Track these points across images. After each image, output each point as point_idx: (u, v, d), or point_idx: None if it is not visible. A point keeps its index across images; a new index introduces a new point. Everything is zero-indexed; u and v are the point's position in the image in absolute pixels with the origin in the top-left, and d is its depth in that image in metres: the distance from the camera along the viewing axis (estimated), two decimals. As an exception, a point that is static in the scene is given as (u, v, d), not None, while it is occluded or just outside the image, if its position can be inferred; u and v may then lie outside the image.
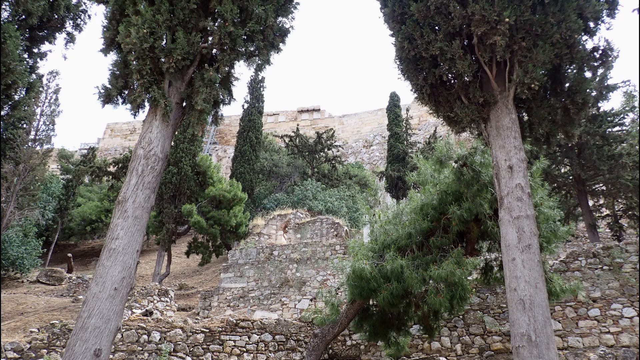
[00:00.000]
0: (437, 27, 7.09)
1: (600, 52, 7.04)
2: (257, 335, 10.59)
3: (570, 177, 18.98)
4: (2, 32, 11.76)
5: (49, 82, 20.20)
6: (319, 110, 54.42)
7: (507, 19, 6.39)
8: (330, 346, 11.51)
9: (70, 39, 15.95)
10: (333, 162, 34.38)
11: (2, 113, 13.97)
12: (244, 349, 10.33)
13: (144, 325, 9.80)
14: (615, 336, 10.59)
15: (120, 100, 7.66)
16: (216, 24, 7.47)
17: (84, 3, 15.87)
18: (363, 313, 9.74)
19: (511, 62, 6.95)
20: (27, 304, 17.03)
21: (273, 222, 22.51)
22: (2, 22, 12.17)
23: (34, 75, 15.25)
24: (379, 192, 30.39)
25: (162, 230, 22.67)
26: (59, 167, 43.38)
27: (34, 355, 9.08)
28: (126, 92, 7.60)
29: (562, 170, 19.67)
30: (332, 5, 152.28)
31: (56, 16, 15.12)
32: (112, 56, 7.63)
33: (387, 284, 8.28)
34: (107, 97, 7.52)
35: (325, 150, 34.34)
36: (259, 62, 8.24)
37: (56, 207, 27.94)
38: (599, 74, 7.14)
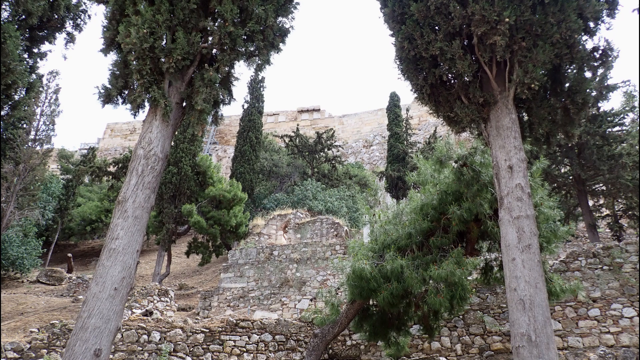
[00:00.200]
0: (437, 27, 7.09)
1: (600, 52, 7.04)
2: (257, 335, 10.59)
3: (570, 177, 18.98)
4: (2, 32, 11.76)
5: (49, 82, 20.22)
6: (319, 110, 54.42)
7: (507, 19, 6.39)
8: (330, 346, 11.51)
9: (70, 39, 15.95)
10: (333, 162, 34.38)
11: (2, 113, 13.97)
12: (244, 349, 10.33)
13: (144, 325, 9.80)
14: (615, 336, 10.59)
15: (120, 100, 7.66)
16: (216, 24, 7.47)
17: (84, 3, 15.87)
18: (363, 313, 9.74)
19: (511, 62, 6.95)
20: (27, 304, 17.03)
21: (273, 222, 22.51)
22: (2, 22, 12.17)
23: (34, 75, 15.25)
24: (379, 192, 30.39)
25: (162, 230, 22.67)
26: (59, 167, 43.38)
27: (34, 355, 9.08)
28: (126, 92, 7.60)
29: (562, 170, 19.67)
30: (332, 5, 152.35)
31: (56, 16, 15.12)
32: (112, 56, 7.63)
33: (387, 284, 8.28)
34: (107, 97, 7.52)
35: (325, 150, 34.34)
36: (259, 62, 8.24)
37: (56, 207, 27.94)
38: (599, 74, 7.14)
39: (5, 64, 12.03)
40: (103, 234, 32.16)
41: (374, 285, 8.34)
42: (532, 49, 6.67)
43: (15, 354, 8.98)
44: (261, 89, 34.11)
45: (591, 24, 6.92)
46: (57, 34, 15.61)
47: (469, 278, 8.60)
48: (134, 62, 7.06)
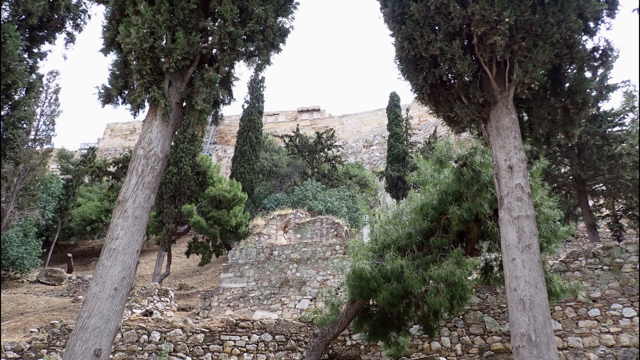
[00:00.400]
0: (437, 27, 7.09)
1: (600, 52, 7.04)
2: (257, 335, 10.59)
3: (570, 177, 18.98)
4: (2, 32, 11.76)
5: (49, 82, 20.22)
6: (319, 110, 54.42)
7: (507, 19, 6.39)
8: (330, 346, 11.51)
9: (70, 39, 15.95)
10: (333, 162, 34.38)
11: (2, 113, 13.97)
12: (244, 349, 10.33)
13: (144, 325, 9.80)
14: (615, 336, 10.59)
15: (120, 100, 7.66)
16: (216, 24, 7.47)
17: (84, 3, 15.87)
18: (363, 313, 9.74)
19: (511, 62, 6.95)
20: (27, 304, 17.03)
21: (273, 222, 22.51)
22: (2, 22, 12.17)
23: (34, 75, 15.25)
24: (379, 192, 30.39)
25: (162, 230, 22.67)
26: (59, 167, 43.38)
27: (34, 355, 9.08)
28: (126, 92, 7.60)
29: (562, 170, 19.67)
30: (332, 5, 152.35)
31: (56, 16, 15.12)
32: (112, 56, 7.63)
33: (387, 284, 8.28)
34: (107, 97, 7.52)
35: (325, 150, 34.34)
36: (259, 62, 8.24)
37: (56, 207, 27.93)
38: (599, 74, 7.14)
39: (5, 64, 12.03)
40: (103, 234, 32.16)
41: (374, 285, 8.34)
42: (532, 49, 6.67)
43: (15, 354, 8.98)
44: (261, 89, 34.11)
45: (591, 24, 6.92)
46: (57, 34, 15.61)
47: (469, 278, 8.60)
48: (134, 62, 7.05)
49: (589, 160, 17.86)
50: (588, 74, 7.17)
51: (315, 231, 21.55)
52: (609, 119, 18.35)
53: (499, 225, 6.76)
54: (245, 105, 33.13)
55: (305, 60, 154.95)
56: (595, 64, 7.09)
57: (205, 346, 10.04)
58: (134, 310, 13.71)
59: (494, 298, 11.67)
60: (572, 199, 19.97)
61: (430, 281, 8.19)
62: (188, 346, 9.87)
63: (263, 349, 10.51)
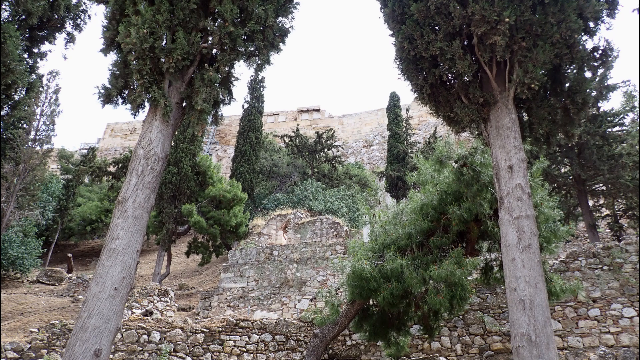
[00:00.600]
0: (437, 27, 7.09)
1: (600, 52, 7.04)
2: (257, 335, 10.59)
3: (570, 177, 18.98)
4: (2, 32, 11.76)
5: (49, 82, 20.21)
6: (319, 110, 54.42)
7: (507, 19, 6.39)
8: (330, 346, 11.51)
9: (70, 39, 15.95)
10: (333, 162, 34.38)
11: (2, 113, 13.97)
12: (244, 349, 10.33)
13: (144, 325, 9.80)
14: (615, 336, 10.59)
15: (120, 100, 7.66)
16: (216, 24, 7.47)
17: (84, 3, 15.87)
18: (363, 313, 9.74)
19: (511, 62, 6.95)
20: (27, 304, 17.03)
21: (273, 222, 22.51)
22: (2, 22, 12.17)
23: (34, 75, 15.25)
24: (379, 192, 30.39)
25: (162, 230, 22.67)
26: (59, 167, 43.38)
27: (34, 355, 9.08)
28: (126, 92, 7.60)
29: (562, 170, 19.67)
30: (332, 5, 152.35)
31: (56, 16, 15.12)
32: (112, 56, 7.63)
33: (387, 284, 8.28)
34: (107, 97, 7.51)
35: (325, 150, 34.34)
36: (259, 62, 8.24)
37: (56, 207, 27.93)
38: (599, 74, 7.14)
39: (5, 64, 12.03)
40: (103, 234, 32.16)
41: (374, 285, 8.34)
42: (532, 49, 6.67)
43: (15, 354, 8.98)
44: (261, 89, 34.11)
45: (591, 24, 6.92)
46: (57, 34, 15.61)
47: (469, 278, 8.60)
48: (134, 62, 7.05)
49: (589, 160, 17.86)
50: (588, 74, 7.17)
51: (315, 231, 21.55)
52: (609, 119, 18.35)
53: (499, 225, 6.76)
54: (245, 105, 33.13)
55: (305, 60, 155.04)
56: (595, 64, 7.09)
57: (205, 346, 10.04)
58: (134, 310, 13.71)
59: (494, 298, 11.67)
60: (572, 199, 19.97)
61: (430, 281, 8.19)
62: (188, 346, 9.87)
63: (263, 349, 10.51)
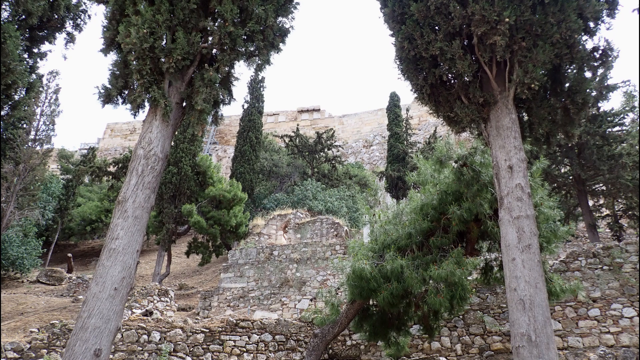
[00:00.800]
0: (437, 27, 7.09)
1: (600, 52, 7.04)
2: (257, 335, 10.59)
3: (570, 177, 18.98)
4: (2, 32, 11.76)
5: (49, 82, 20.21)
6: (319, 110, 54.42)
7: (507, 19, 6.38)
8: (330, 346, 11.51)
9: (70, 39, 15.95)
10: (333, 162, 34.38)
11: (2, 113, 13.97)
12: (244, 349, 10.33)
13: (144, 325, 9.80)
14: (615, 336, 10.59)
15: (120, 100, 7.66)
16: (216, 24, 7.47)
17: (84, 3, 15.87)
18: (363, 313, 9.74)
19: (511, 62, 6.95)
20: (27, 304, 17.03)
21: (273, 222, 22.51)
22: (2, 22, 12.17)
23: (34, 75, 15.25)
24: (379, 192, 30.39)
25: (162, 230, 22.67)
26: (59, 167, 43.38)
27: (34, 355, 9.08)
28: (126, 92, 7.60)
29: (562, 170, 19.67)
30: (332, 5, 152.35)
31: (56, 16, 15.12)
32: (112, 56, 7.63)
33: (387, 284, 8.28)
34: (107, 97, 7.51)
35: (325, 150, 34.34)
36: (259, 62, 8.23)
37: (56, 207, 27.93)
38: (599, 74, 7.14)
39: (5, 64, 12.03)
40: (103, 234, 32.16)
41: (374, 285, 8.34)
42: (532, 49, 6.67)
43: (15, 354, 8.98)
44: (261, 89, 34.11)
45: (591, 24, 6.92)
46: (57, 34, 15.61)
47: (469, 278, 8.60)
48: (134, 62, 7.05)
49: (589, 160, 17.86)
50: (588, 74, 7.17)
51: (315, 231, 21.55)
52: (609, 119, 18.35)
53: (499, 225, 6.76)
54: (245, 105, 33.13)
55: (305, 60, 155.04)
56: (595, 64, 7.09)
57: (205, 346, 10.04)
58: (134, 310, 13.71)
59: (494, 298, 11.67)
60: (572, 199, 19.96)
61: (430, 281, 8.19)
62: (188, 346, 9.87)
63: (263, 349, 10.51)
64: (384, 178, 31.18)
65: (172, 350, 9.67)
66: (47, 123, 20.19)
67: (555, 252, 8.83)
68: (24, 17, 13.82)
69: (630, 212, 18.76)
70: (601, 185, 18.95)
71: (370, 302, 9.66)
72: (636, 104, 18.48)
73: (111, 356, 9.09)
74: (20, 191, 18.83)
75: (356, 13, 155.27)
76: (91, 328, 5.83)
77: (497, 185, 6.81)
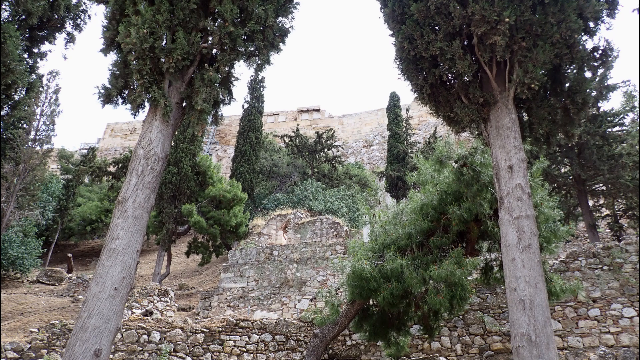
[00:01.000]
0: (437, 27, 7.09)
1: (600, 52, 7.04)
2: (257, 335, 10.59)
3: (570, 177, 18.98)
4: (2, 32, 11.76)
5: (49, 82, 20.21)
6: (319, 110, 54.42)
7: (507, 19, 6.38)
8: (330, 346, 11.51)
9: (70, 39, 15.95)
10: (333, 162, 34.38)
11: (2, 113, 13.97)
12: (244, 349, 10.33)
13: (144, 325, 9.80)
14: (615, 336, 10.59)
15: (120, 100, 7.66)
16: (216, 24, 7.47)
17: (84, 3, 15.87)
18: (363, 313, 9.74)
19: (511, 62, 6.95)
20: (27, 304, 17.03)
21: (273, 222, 22.51)
22: (2, 22, 12.17)
23: (34, 75, 15.25)
24: (379, 192, 30.39)
25: (162, 230, 22.67)
26: (59, 167, 43.38)
27: (34, 355, 9.08)
28: (126, 92, 7.60)
29: (562, 170, 19.67)
30: (332, 5, 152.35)
31: (56, 16, 15.12)
32: (112, 56, 7.63)
33: (387, 284, 8.28)
34: (107, 97, 7.52)
35: (325, 150, 34.34)
36: (259, 62, 8.23)
37: (56, 207, 27.93)
38: (599, 74, 7.14)
39: (5, 64, 12.03)
40: (103, 234, 32.16)
41: (374, 285, 8.34)
42: (532, 49, 6.67)
43: (15, 354, 8.98)
44: (261, 89, 34.11)
45: (591, 24, 6.92)
46: (57, 34, 15.61)
47: (469, 278, 8.60)
48: (134, 62, 7.05)
49: (589, 160, 17.86)
50: (588, 74, 7.17)
51: (315, 231, 21.55)
52: (609, 119, 18.35)
53: (499, 225, 6.76)
54: (245, 105, 33.13)
55: (305, 60, 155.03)
56: (595, 64, 7.09)
57: (205, 346, 10.04)
58: (134, 310, 13.71)
59: (494, 298, 11.67)
60: (572, 199, 19.96)
61: (430, 281, 8.18)
62: (188, 346, 9.87)
63: (263, 349, 10.51)
64: (384, 178, 31.18)
65: (172, 350, 9.67)
66: (47, 123, 20.20)
67: (555, 252, 8.83)
68: (24, 17, 13.82)
69: (630, 212, 18.76)
70: (601, 185, 18.95)
71: (370, 302, 9.66)
72: (636, 104, 18.49)
73: (111, 356, 9.09)
74: (20, 191, 18.83)
75: (356, 13, 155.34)
76: (91, 328, 5.83)
77: (497, 185, 6.81)
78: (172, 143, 21.04)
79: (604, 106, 19.22)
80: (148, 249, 30.32)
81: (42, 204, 24.91)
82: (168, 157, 7.88)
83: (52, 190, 27.19)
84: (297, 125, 40.35)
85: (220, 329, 10.35)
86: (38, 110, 19.83)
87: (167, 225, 22.47)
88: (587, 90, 7.09)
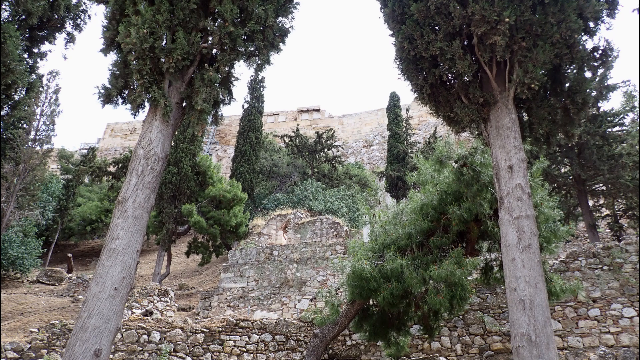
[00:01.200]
0: (437, 27, 7.09)
1: (600, 52, 7.04)
2: (257, 335, 10.59)
3: (570, 177, 18.98)
4: (2, 32, 11.76)
5: (49, 82, 20.21)
6: (319, 110, 54.42)
7: (507, 19, 6.39)
8: (330, 346, 11.51)
9: (70, 39, 15.95)
10: (333, 162, 34.38)
11: (2, 113, 13.97)
12: (244, 349, 10.33)
13: (144, 325, 9.80)
14: (615, 336, 10.59)
15: (120, 100, 7.66)
16: (216, 24, 7.47)
17: (84, 3, 15.87)
18: (363, 313, 9.74)
19: (511, 62, 6.95)
20: (27, 304, 17.03)
21: (273, 222, 22.51)
22: (2, 22, 12.17)
23: (34, 75, 15.25)
24: (379, 192, 30.39)
25: (162, 230, 22.67)
26: (59, 167, 43.38)
27: (34, 355, 9.08)
28: (126, 92, 7.60)
29: (562, 170, 19.67)
30: (332, 5, 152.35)
31: (56, 16, 15.12)
32: (112, 56, 7.63)
33: (387, 284, 8.28)
34: (107, 97, 7.52)
35: (325, 150, 34.34)
36: (259, 62, 8.23)
37: (56, 207, 27.93)
38: (599, 74, 7.14)
39: (5, 64, 12.03)
40: (103, 234, 32.15)
41: (374, 285, 8.34)
42: (532, 49, 6.67)
43: (15, 354, 8.98)
44: (261, 89, 34.11)
45: (591, 24, 6.92)
46: (57, 34, 15.61)
47: (469, 278, 8.60)
48: (134, 62, 7.05)
49: (589, 160, 17.86)
50: (588, 74, 7.17)
51: (315, 231, 21.55)
52: (609, 119, 18.35)
53: (499, 225, 6.76)
54: (245, 105, 33.13)
55: (305, 60, 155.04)
56: (595, 64, 7.09)
57: (205, 346, 10.04)
58: (134, 310, 13.71)
59: (494, 298, 11.67)
60: (572, 199, 19.96)
61: (430, 281, 8.18)
62: (188, 346, 9.87)
63: (263, 349, 10.51)
64: (384, 178, 31.18)
65: (172, 350, 9.67)
66: (47, 123, 20.20)
67: (555, 252, 8.83)
68: (24, 17, 13.81)
69: (630, 212, 18.76)
70: (601, 185, 18.95)
71: (370, 302, 9.65)
72: (636, 104, 18.49)
73: (111, 356, 9.09)
74: (20, 191, 18.83)
75: (356, 13, 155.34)
76: (91, 328, 5.83)
77: (497, 185, 6.81)
78: (172, 143, 21.05)
79: (604, 106, 19.24)
80: (148, 249, 30.32)
81: (42, 204, 24.91)
82: (168, 157, 7.88)
83: (52, 190, 27.19)
84: (297, 125, 40.35)
85: (220, 329, 10.35)
86: (38, 110, 19.84)
87: (167, 225, 22.47)
88: (587, 90, 7.09)
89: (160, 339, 9.73)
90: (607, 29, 6.95)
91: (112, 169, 30.21)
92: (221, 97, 7.90)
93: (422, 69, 7.52)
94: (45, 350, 9.18)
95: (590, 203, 19.61)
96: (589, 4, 6.58)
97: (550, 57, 6.67)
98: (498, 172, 6.80)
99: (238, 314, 13.66)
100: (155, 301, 15.15)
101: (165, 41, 7.19)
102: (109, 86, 7.50)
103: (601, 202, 20.73)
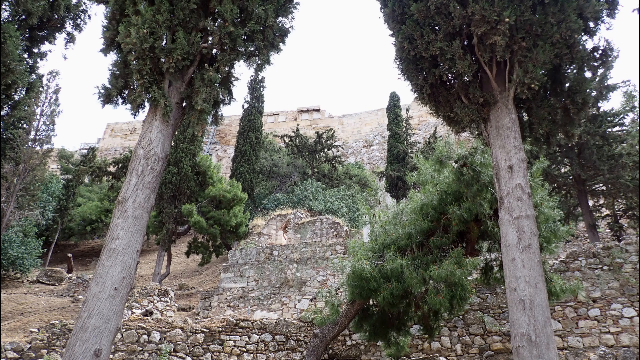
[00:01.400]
0: (437, 27, 7.09)
1: (600, 52, 7.04)
2: (257, 335, 10.59)
3: (570, 177, 18.98)
4: (2, 32, 11.76)
5: (49, 82, 20.21)
6: (319, 110, 54.42)
7: (507, 19, 6.39)
8: (330, 346, 11.51)
9: (70, 39, 15.95)
10: (333, 162, 34.38)
11: (2, 113, 13.97)
12: (244, 349, 10.33)
13: (144, 325, 9.80)
14: (615, 336, 10.59)
15: (120, 100, 7.66)
16: (216, 24, 7.47)
17: (84, 3, 15.87)
18: (363, 313, 9.74)
19: (511, 62, 6.95)
20: (27, 304, 17.03)
21: (273, 222, 22.50)
22: (2, 22, 12.17)
23: (34, 75, 15.25)
24: (379, 192, 30.39)
25: (162, 230, 22.67)
26: (59, 167, 43.38)
27: (34, 355, 9.08)
28: (126, 92, 7.60)
29: (562, 170, 19.67)
30: (332, 5, 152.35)
31: (56, 16, 15.12)
32: (112, 56, 7.63)
33: (387, 284, 8.28)
34: (107, 97, 7.52)
35: (325, 150, 34.33)
36: (259, 62, 8.24)
37: (56, 207, 27.93)
38: (599, 74, 7.14)
39: (5, 64, 12.03)
40: (103, 234, 32.15)
41: (374, 285, 8.34)
42: (532, 49, 6.67)
43: (15, 354, 8.98)
44: (261, 89, 34.11)
45: (591, 24, 6.92)
46: (57, 34, 15.61)
47: (469, 278, 8.60)
48: (134, 62, 7.05)
49: (589, 160, 17.86)
50: (588, 74, 7.17)
51: (315, 231, 21.55)
52: (609, 119, 18.35)
53: (499, 225, 6.76)
54: (245, 105, 33.13)
55: (305, 60, 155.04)
56: (595, 64, 7.09)
57: (205, 346, 10.04)
58: (134, 310, 13.71)
59: (494, 298, 11.67)
60: (572, 199, 19.96)
61: (430, 281, 8.18)
62: (188, 346, 9.87)
63: (263, 349, 10.51)
64: (384, 178, 31.18)
65: (172, 350, 9.67)
66: (47, 123, 20.20)
67: (555, 252, 8.83)
68: (24, 17, 13.81)
69: (630, 212, 18.75)
70: (601, 185, 18.95)
71: (370, 302, 9.65)
72: (636, 104, 18.49)
73: (111, 356, 9.09)
74: (20, 191, 18.83)
75: (356, 13, 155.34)
76: (91, 328, 5.83)
77: (497, 185, 6.81)
78: (172, 143, 21.05)
79: (604, 106, 19.24)
80: (148, 249, 30.32)
81: (42, 204, 24.91)
82: (168, 157, 7.88)
83: (52, 190, 27.19)
84: (297, 125, 40.35)
85: (220, 329, 10.35)
86: (38, 110, 19.84)
87: (167, 225, 22.47)
88: (587, 90, 7.09)
89: (160, 339, 9.73)
90: (607, 29, 6.95)
91: (112, 169, 30.21)
92: (221, 97, 7.90)
93: (422, 69, 7.52)
94: (45, 350, 9.18)
95: (590, 203, 19.61)
96: (589, 4, 6.58)
97: (550, 57, 6.67)
98: (498, 172, 6.80)
99: (238, 314, 13.66)
100: (155, 301, 15.15)
101: (165, 41, 7.19)
102: (109, 86, 7.50)
103: (601, 202, 20.73)
